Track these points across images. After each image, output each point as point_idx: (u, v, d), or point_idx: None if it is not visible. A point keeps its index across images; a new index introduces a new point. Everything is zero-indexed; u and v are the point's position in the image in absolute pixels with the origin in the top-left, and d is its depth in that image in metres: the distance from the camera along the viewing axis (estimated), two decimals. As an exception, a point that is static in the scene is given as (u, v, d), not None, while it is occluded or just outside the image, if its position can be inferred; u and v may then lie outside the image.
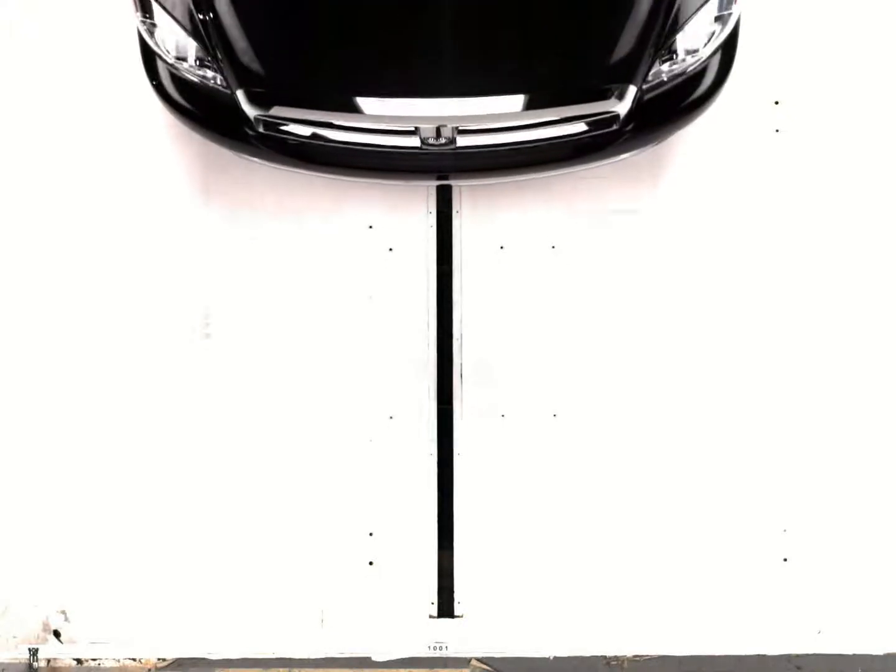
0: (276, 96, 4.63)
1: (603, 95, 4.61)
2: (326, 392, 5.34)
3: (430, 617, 5.34)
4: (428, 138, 4.65)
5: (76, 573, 5.35)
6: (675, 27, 4.68)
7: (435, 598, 5.34)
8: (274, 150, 4.82)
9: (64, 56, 5.52)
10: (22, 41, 5.55)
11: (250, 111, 4.63)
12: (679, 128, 4.96)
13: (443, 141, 4.64)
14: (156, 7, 4.72)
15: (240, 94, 4.61)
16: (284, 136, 4.76)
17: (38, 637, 5.36)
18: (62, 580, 5.36)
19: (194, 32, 4.68)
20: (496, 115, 4.58)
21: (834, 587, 5.34)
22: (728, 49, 4.86)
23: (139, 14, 4.75)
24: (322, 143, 4.75)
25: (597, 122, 4.69)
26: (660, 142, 5.02)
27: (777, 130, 5.50)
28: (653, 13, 4.62)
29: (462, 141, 4.67)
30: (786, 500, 5.36)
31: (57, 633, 5.37)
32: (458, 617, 5.33)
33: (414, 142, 4.68)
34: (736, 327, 5.37)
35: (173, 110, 4.90)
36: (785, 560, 5.35)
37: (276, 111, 4.64)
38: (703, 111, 4.91)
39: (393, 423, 5.34)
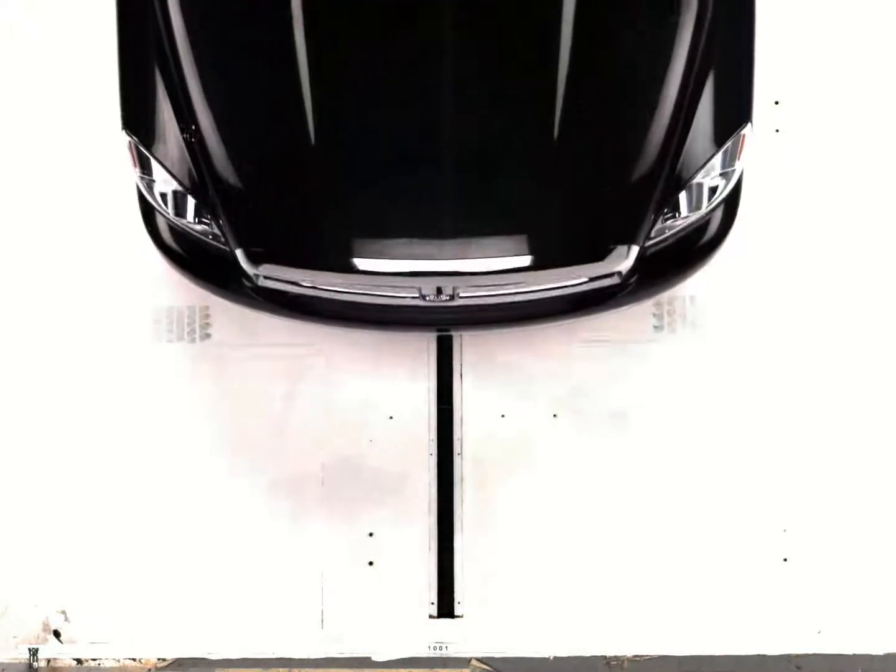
0: (274, 256, 4.58)
1: (604, 255, 4.56)
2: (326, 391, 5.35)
3: (430, 617, 5.34)
4: (428, 295, 4.64)
5: (76, 573, 5.35)
6: (679, 185, 4.64)
7: (435, 598, 5.34)
8: (272, 302, 4.80)
9: (62, 56, 5.53)
10: (21, 41, 5.56)
11: (249, 269, 4.61)
12: (683, 280, 4.92)
13: (444, 298, 4.62)
14: (154, 164, 4.69)
15: (238, 253, 4.59)
16: (283, 289, 4.74)
17: (38, 637, 5.36)
18: (62, 580, 5.36)
19: (193, 189, 4.66)
20: (497, 277, 4.54)
21: (834, 587, 5.34)
22: (732, 201, 4.82)
23: (138, 170, 4.74)
24: (321, 297, 4.74)
25: (598, 277, 4.66)
26: (664, 292, 5.01)
27: (777, 130, 5.50)
28: (656, 172, 4.56)
29: (463, 297, 4.66)
30: (786, 500, 5.36)
31: (57, 633, 5.37)
32: (458, 617, 5.33)
33: (414, 298, 4.67)
34: (735, 327, 5.37)
35: (171, 262, 4.89)
36: (785, 560, 5.35)
37: (275, 271, 4.61)
38: (706, 262, 4.87)
39: (393, 422, 5.35)
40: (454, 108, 4.54)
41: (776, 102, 5.48)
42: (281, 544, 5.33)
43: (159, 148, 4.70)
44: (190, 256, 4.82)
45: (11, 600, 5.38)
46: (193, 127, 4.62)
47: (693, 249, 4.81)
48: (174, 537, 5.34)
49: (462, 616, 5.33)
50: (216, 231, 4.64)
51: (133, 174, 4.78)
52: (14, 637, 5.36)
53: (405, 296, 4.67)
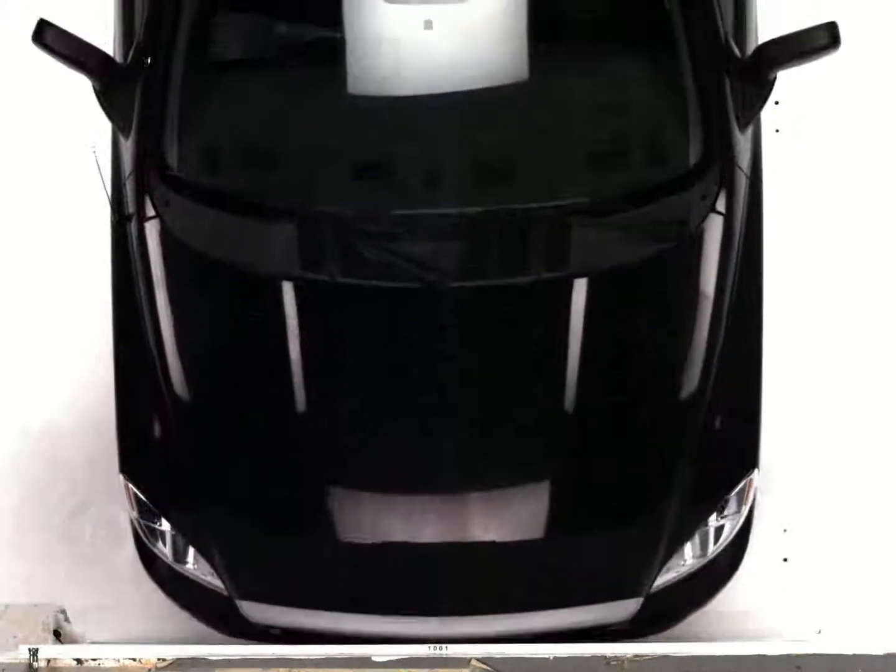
0: (276, 605, 4.68)
1: (606, 609, 4.63)
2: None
3: (431, 617, 5.33)
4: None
5: (76, 573, 5.35)
6: (684, 534, 4.62)
7: (435, 599, 5.33)
8: (276, 637, 4.86)
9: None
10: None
11: (251, 617, 4.68)
12: (692, 613, 4.90)
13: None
14: (152, 509, 4.75)
15: (240, 604, 4.66)
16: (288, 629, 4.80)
17: (38, 637, 5.36)
18: (62, 580, 5.35)
19: (191, 536, 4.70)
20: (490, 634, 4.63)
21: (834, 587, 5.34)
22: (741, 537, 4.81)
23: (135, 512, 4.79)
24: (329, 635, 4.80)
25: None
26: (672, 627, 4.95)
27: (777, 130, 5.50)
28: (659, 525, 4.57)
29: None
30: (786, 500, 5.36)
31: (57, 633, 5.36)
32: (458, 617, 5.32)
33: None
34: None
35: (168, 597, 4.95)
36: (785, 560, 5.34)
37: (278, 620, 4.72)
38: (715, 597, 4.87)
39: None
40: (457, 462, 4.59)
41: (776, 102, 5.49)
42: (281, 544, 5.32)
43: (157, 493, 4.75)
44: (188, 595, 4.88)
45: (11, 600, 5.38)
46: (192, 475, 4.67)
47: (700, 588, 4.82)
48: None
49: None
50: (216, 578, 4.69)
51: (130, 515, 4.82)
52: (14, 637, 5.36)
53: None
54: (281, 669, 5.21)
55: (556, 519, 4.57)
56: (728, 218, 4.74)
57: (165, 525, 4.73)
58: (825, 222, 5.52)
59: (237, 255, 4.65)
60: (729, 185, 4.74)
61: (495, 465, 4.61)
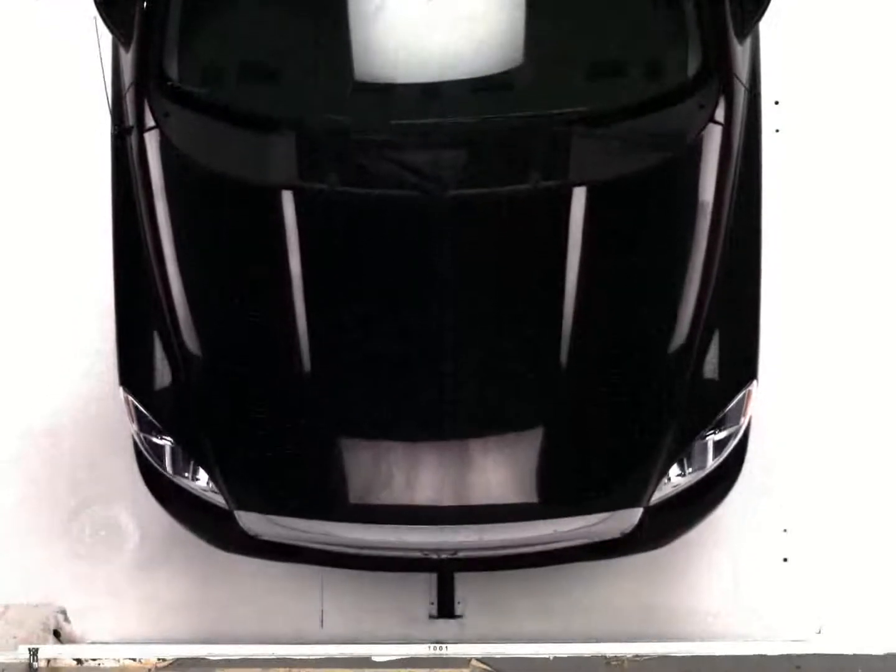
0: (274, 516, 4.63)
1: (606, 520, 4.59)
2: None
3: (430, 617, 5.33)
4: (431, 554, 4.67)
5: (76, 573, 5.35)
6: (684, 444, 4.61)
7: (435, 598, 5.33)
8: (271, 552, 4.83)
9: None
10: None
11: (249, 529, 4.66)
12: (691, 528, 4.89)
13: (445, 556, 4.65)
14: (152, 421, 4.71)
15: (238, 514, 4.62)
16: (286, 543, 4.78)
17: (38, 637, 5.36)
18: (62, 580, 5.35)
19: (190, 448, 4.67)
20: (498, 543, 4.59)
21: (834, 587, 5.34)
22: (739, 450, 4.78)
23: (135, 426, 4.76)
24: (324, 550, 4.79)
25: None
26: (672, 542, 4.94)
27: (777, 130, 5.50)
28: (661, 433, 4.55)
29: (464, 552, 4.68)
30: (786, 500, 5.36)
31: (57, 633, 5.37)
32: (458, 617, 5.33)
33: (414, 552, 4.71)
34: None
35: (167, 511, 4.91)
36: (785, 560, 5.34)
37: (275, 533, 4.68)
38: (714, 510, 4.85)
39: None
40: (454, 368, 4.52)
41: (776, 102, 5.49)
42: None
43: (157, 405, 4.69)
44: (187, 508, 4.84)
45: (11, 600, 5.38)
46: (191, 387, 4.63)
47: (699, 501, 4.78)
48: (174, 536, 5.34)
49: (462, 616, 5.32)
50: (213, 488, 4.64)
51: (130, 429, 4.77)
52: (14, 637, 5.36)
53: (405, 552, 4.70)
54: (281, 669, 5.21)
55: (557, 429, 4.56)
56: (727, 128, 4.72)
57: (165, 438, 4.71)
58: (825, 222, 5.52)
59: (237, 166, 4.65)
60: (727, 95, 4.73)
61: (493, 376, 4.57)
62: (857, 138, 5.51)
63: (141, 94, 4.75)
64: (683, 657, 5.21)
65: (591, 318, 4.55)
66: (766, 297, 5.36)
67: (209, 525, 4.85)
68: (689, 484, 4.67)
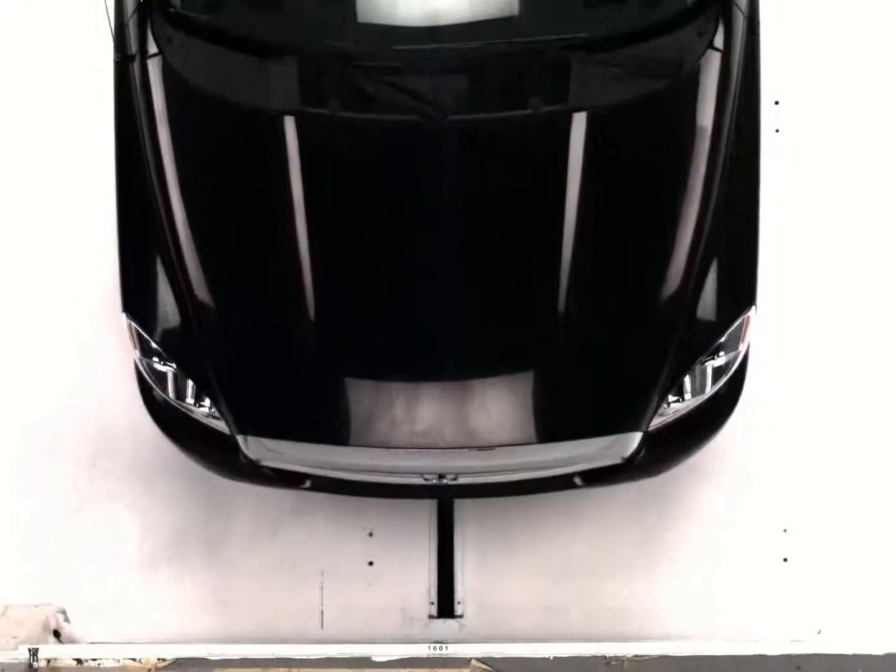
0: (276, 441, 4.61)
1: (606, 443, 4.57)
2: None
3: (430, 617, 5.34)
4: (430, 479, 4.65)
5: (76, 573, 5.35)
6: (683, 370, 4.60)
7: (435, 598, 5.34)
8: (273, 478, 4.82)
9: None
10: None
11: (251, 453, 4.63)
12: (690, 455, 4.87)
13: (445, 481, 4.64)
14: (154, 347, 4.69)
15: (240, 439, 4.60)
16: (285, 469, 4.77)
17: (38, 637, 5.36)
18: (62, 580, 5.35)
19: (192, 373, 4.66)
20: (499, 467, 4.57)
21: (834, 587, 5.34)
22: (737, 378, 4.77)
23: (137, 352, 4.75)
24: (323, 475, 4.77)
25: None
26: (671, 469, 4.93)
27: (777, 130, 5.50)
28: (660, 357, 4.54)
29: (465, 478, 4.67)
30: (786, 500, 5.36)
31: (57, 633, 5.37)
32: (458, 617, 5.33)
33: (415, 479, 4.70)
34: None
35: (169, 438, 4.89)
36: (785, 560, 5.35)
37: (276, 457, 4.65)
38: (713, 437, 4.84)
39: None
40: (457, 295, 4.52)
41: (776, 102, 5.49)
42: (281, 544, 5.33)
43: (159, 330, 4.69)
44: (189, 435, 4.82)
45: (11, 600, 5.38)
46: (193, 311, 4.61)
47: (698, 427, 4.77)
48: (174, 536, 5.34)
49: (462, 616, 5.33)
50: (215, 413, 4.63)
51: (133, 355, 4.76)
52: (14, 637, 5.36)
53: (406, 476, 4.69)
54: (281, 669, 5.21)
55: (557, 355, 4.55)
56: (725, 55, 4.72)
57: (168, 364, 4.69)
58: (825, 221, 5.52)
59: (239, 92, 4.65)
60: (726, 22, 4.73)
61: (492, 299, 4.57)
62: (857, 138, 5.51)
63: (144, 20, 4.75)
64: (683, 657, 5.21)
65: (591, 243, 4.55)
66: (765, 298, 5.40)
67: (212, 452, 4.82)
68: (687, 410, 4.66)
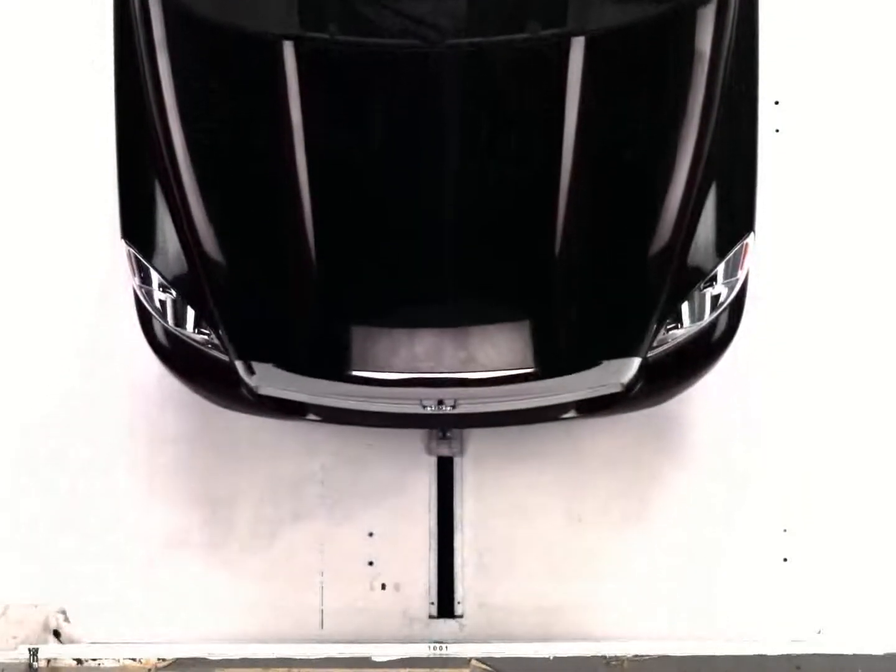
0: (275, 369, 4.58)
1: (605, 368, 4.55)
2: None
3: (430, 617, 5.34)
4: (429, 406, 4.62)
5: (76, 573, 5.35)
6: (681, 296, 4.60)
7: (435, 598, 5.34)
8: (271, 408, 4.79)
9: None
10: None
11: (250, 381, 4.61)
12: (689, 385, 4.87)
13: (445, 409, 4.61)
14: (154, 274, 4.68)
15: (238, 365, 4.59)
16: (283, 397, 4.73)
17: (38, 637, 5.36)
18: (62, 580, 5.36)
19: (192, 300, 4.65)
20: (496, 389, 4.52)
21: (834, 587, 5.34)
22: (735, 307, 4.77)
23: (136, 279, 4.73)
24: (321, 404, 4.75)
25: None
26: (670, 399, 4.93)
27: (777, 130, 5.50)
28: (658, 284, 4.54)
29: (464, 406, 4.64)
30: (786, 500, 5.36)
31: (57, 633, 5.37)
32: (458, 617, 5.33)
33: (415, 407, 4.67)
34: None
35: (167, 366, 4.87)
36: (785, 560, 5.35)
37: (275, 382, 4.62)
38: (712, 367, 4.82)
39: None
40: (456, 219, 4.52)
41: (776, 102, 5.49)
42: (281, 544, 5.33)
43: (158, 258, 4.68)
44: (187, 363, 4.79)
45: (11, 600, 5.38)
46: (192, 237, 4.60)
47: (697, 355, 4.75)
48: (174, 537, 5.34)
49: (462, 616, 5.33)
50: (215, 341, 4.62)
51: (132, 282, 4.75)
52: (14, 637, 5.36)
53: (406, 404, 4.66)
54: (281, 669, 5.22)
55: (557, 279, 4.54)
56: None
57: (167, 291, 4.68)
58: (825, 221, 5.51)
59: (237, 16, 4.65)
60: None
61: (491, 224, 4.56)
62: (857, 138, 5.50)
63: None
64: (683, 657, 5.22)
65: (589, 168, 4.54)
66: (766, 299, 5.39)
67: (212, 382, 4.81)
68: (686, 337, 4.66)
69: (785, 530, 5.35)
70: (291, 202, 4.53)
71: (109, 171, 4.82)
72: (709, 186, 4.63)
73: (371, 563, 5.33)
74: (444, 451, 5.31)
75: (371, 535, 5.33)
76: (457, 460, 5.32)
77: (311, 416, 4.83)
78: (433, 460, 5.33)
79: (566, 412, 4.79)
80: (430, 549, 5.33)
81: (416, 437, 5.33)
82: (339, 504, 5.33)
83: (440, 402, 4.58)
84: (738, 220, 4.70)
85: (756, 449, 5.37)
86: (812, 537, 5.35)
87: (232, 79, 4.70)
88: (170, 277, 4.67)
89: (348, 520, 5.33)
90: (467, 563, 5.32)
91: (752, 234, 4.68)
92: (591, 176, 4.53)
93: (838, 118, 5.50)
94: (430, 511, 5.34)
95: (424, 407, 4.61)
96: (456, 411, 4.62)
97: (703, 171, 4.60)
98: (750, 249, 4.67)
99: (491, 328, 4.50)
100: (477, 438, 5.33)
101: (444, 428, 5.23)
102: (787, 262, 5.45)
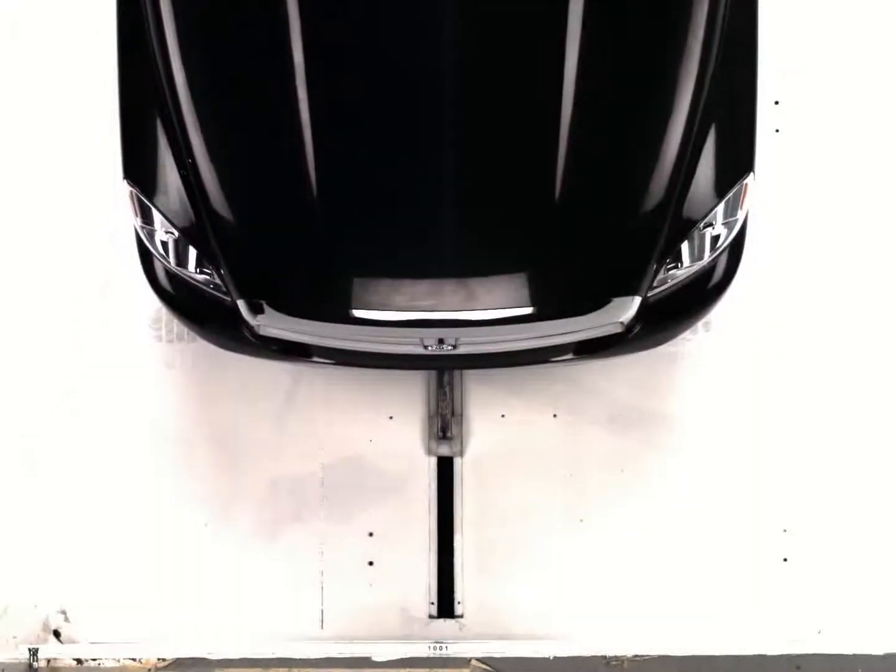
0: (275, 306, 4.57)
1: (605, 306, 4.53)
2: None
3: (430, 617, 5.34)
4: (430, 346, 4.61)
5: (76, 573, 5.35)
6: (681, 236, 4.61)
7: (435, 598, 5.34)
8: (273, 349, 4.79)
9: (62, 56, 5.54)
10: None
11: (250, 319, 4.59)
12: (688, 327, 4.88)
13: (445, 348, 4.61)
14: (156, 213, 4.68)
15: (240, 303, 4.58)
16: (284, 338, 4.72)
17: (38, 637, 5.36)
18: (62, 580, 5.36)
19: (194, 239, 4.65)
20: (497, 328, 4.52)
21: (834, 587, 5.34)
22: (735, 248, 4.77)
23: (138, 219, 4.72)
24: (322, 345, 4.74)
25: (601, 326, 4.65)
26: (668, 341, 4.92)
27: (777, 130, 5.50)
28: (658, 223, 4.54)
29: (464, 346, 4.63)
30: (786, 500, 5.36)
31: (57, 633, 5.37)
32: (458, 617, 5.33)
33: (416, 348, 4.66)
34: (733, 326, 5.37)
35: (169, 308, 4.87)
36: (785, 560, 5.35)
37: (276, 321, 4.60)
38: (711, 309, 4.83)
39: (393, 422, 5.35)
40: (457, 160, 4.52)
41: (776, 102, 5.49)
42: (280, 544, 5.33)
43: (160, 197, 4.68)
44: (189, 304, 4.79)
45: (11, 600, 5.38)
46: (195, 176, 4.59)
47: (696, 297, 4.75)
48: (174, 537, 5.34)
49: (462, 616, 5.33)
50: (217, 281, 4.62)
51: (134, 223, 4.76)
52: (14, 637, 5.36)
53: (407, 345, 4.65)
54: (281, 669, 5.22)
55: (556, 219, 4.51)
56: None
57: (169, 231, 4.67)
58: (825, 221, 5.51)
59: None
60: None
61: (491, 162, 4.56)
62: (857, 138, 5.50)
63: None
64: (683, 657, 5.22)
65: (589, 108, 4.56)
66: (766, 299, 5.39)
67: (214, 323, 4.80)
68: (685, 277, 4.66)
69: (785, 530, 5.35)
70: (294, 140, 4.53)
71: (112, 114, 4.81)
72: (708, 127, 4.64)
73: (371, 563, 5.33)
74: (444, 451, 5.32)
75: (371, 535, 5.33)
76: (457, 460, 5.33)
77: (310, 359, 4.81)
78: (433, 460, 5.34)
79: (566, 353, 4.78)
80: (430, 550, 5.33)
81: (416, 437, 5.34)
82: (339, 504, 5.33)
83: (441, 342, 4.58)
84: (737, 161, 4.70)
85: (756, 449, 5.37)
86: (812, 537, 5.35)
87: (232, 13, 4.69)
88: (172, 217, 4.67)
89: (348, 520, 5.33)
90: (467, 563, 5.32)
91: (751, 174, 4.68)
92: (590, 117, 4.54)
93: (838, 118, 5.50)
94: (430, 511, 5.34)
95: (426, 347, 4.60)
96: (456, 352, 4.61)
97: (703, 112, 4.61)
98: (750, 190, 4.67)
99: (492, 268, 4.51)
100: (477, 438, 5.34)
101: (445, 368, 5.20)
102: (787, 264, 5.45)
